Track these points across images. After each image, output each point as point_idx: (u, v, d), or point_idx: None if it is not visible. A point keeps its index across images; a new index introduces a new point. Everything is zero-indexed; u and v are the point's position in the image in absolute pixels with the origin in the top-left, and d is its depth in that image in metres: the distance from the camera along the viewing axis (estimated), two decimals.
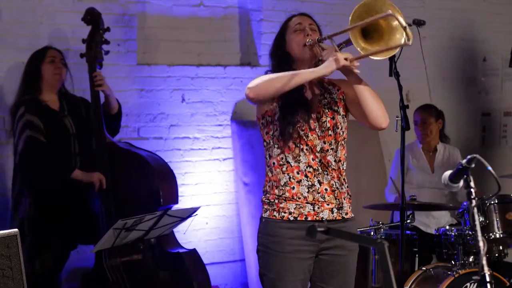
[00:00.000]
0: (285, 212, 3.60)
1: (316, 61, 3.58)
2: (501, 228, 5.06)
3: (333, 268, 3.64)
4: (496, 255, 5.14)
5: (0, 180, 5.11)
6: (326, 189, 3.61)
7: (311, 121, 3.60)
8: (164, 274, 4.78)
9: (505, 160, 7.48)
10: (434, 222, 5.72)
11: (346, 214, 3.66)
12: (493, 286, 2.90)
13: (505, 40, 7.33)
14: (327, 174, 3.61)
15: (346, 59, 3.43)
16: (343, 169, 3.68)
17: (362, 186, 6.09)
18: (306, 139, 3.58)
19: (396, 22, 3.42)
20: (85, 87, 4.95)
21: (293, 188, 3.60)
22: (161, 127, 5.76)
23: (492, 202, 5.08)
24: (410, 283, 4.91)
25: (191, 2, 5.94)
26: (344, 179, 3.69)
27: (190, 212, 4.40)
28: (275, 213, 3.62)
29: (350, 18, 3.41)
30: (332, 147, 3.62)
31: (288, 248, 3.59)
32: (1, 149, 5.16)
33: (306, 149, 3.58)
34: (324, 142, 3.61)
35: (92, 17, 4.92)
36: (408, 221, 4.91)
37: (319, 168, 3.60)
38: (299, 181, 3.59)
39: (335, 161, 3.63)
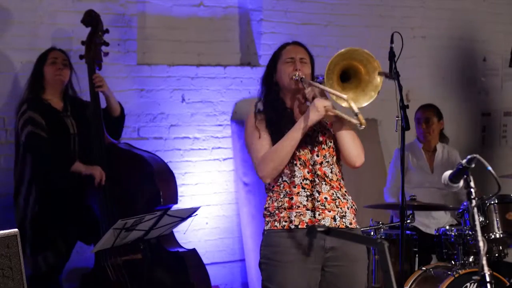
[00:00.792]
0: (285, 221, 3.59)
1: (301, 94, 3.69)
2: (501, 228, 5.06)
3: (339, 280, 3.61)
4: (496, 255, 5.14)
5: (0, 180, 5.11)
6: (326, 198, 3.61)
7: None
8: (164, 274, 4.78)
9: (505, 160, 7.48)
10: (434, 222, 5.72)
11: (350, 223, 3.64)
12: (493, 286, 2.90)
13: (505, 40, 7.33)
14: (325, 184, 3.62)
15: (325, 106, 3.52)
16: (342, 183, 3.69)
17: (362, 186, 6.09)
18: (298, 154, 3.61)
19: (374, 68, 3.55)
20: (84, 87, 4.94)
21: (292, 198, 3.61)
22: (161, 127, 5.76)
23: (492, 202, 5.08)
24: (410, 283, 4.91)
25: (191, 2, 5.94)
26: (346, 191, 3.70)
27: (190, 212, 4.40)
28: (276, 223, 3.62)
29: (326, 68, 3.52)
30: (327, 160, 3.64)
31: (290, 258, 3.57)
32: (1, 149, 5.16)
33: (300, 164, 3.62)
34: (317, 155, 3.63)
35: (91, 18, 4.94)
36: (408, 221, 4.91)
37: (316, 179, 3.62)
38: (297, 193, 3.61)
39: (331, 172, 3.64)
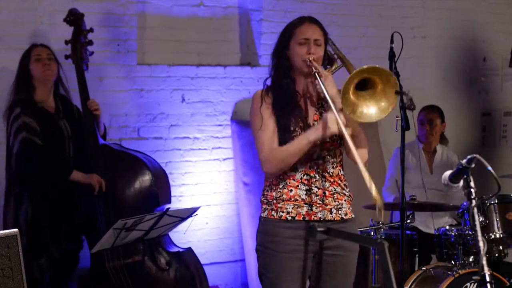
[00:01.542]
0: (283, 212, 3.61)
1: (311, 79, 3.60)
2: (501, 228, 5.06)
3: (332, 268, 3.65)
4: (496, 255, 5.14)
5: None
6: (324, 193, 3.62)
7: (307, 129, 3.62)
8: (164, 274, 4.78)
9: (505, 160, 7.48)
10: (433, 222, 5.71)
11: (346, 214, 3.66)
12: (493, 286, 2.90)
13: (505, 40, 7.33)
14: (325, 181, 3.62)
15: (338, 124, 3.43)
16: (342, 175, 3.69)
17: (362, 186, 6.07)
18: None
19: (391, 86, 3.50)
20: (75, 87, 4.90)
21: (291, 190, 3.61)
22: (161, 127, 5.76)
23: (492, 202, 5.07)
24: (410, 283, 4.91)
25: (191, 2, 5.94)
26: (345, 184, 3.70)
27: (190, 212, 4.40)
28: (273, 212, 3.63)
29: (344, 84, 3.44)
30: (330, 154, 3.63)
31: (286, 248, 3.59)
32: (0, 149, 5.15)
33: (303, 157, 3.60)
34: (321, 149, 3.62)
35: (74, 17, 4.86)
36: (408, 221, 4.91)
37: (316, 175, 3.61)
38: (296, 186, 3.61)
39: (333, 167, 3.64)
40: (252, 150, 5.86)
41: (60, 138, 4.71)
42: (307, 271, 3.63)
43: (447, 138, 6.08)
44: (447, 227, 5.16)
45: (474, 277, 3.00)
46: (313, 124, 3.63)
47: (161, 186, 4.91)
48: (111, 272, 4.61)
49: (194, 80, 5.89)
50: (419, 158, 5.88)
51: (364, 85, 3.50)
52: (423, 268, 4.99)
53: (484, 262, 2.87)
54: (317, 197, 3.60)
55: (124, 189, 4.80)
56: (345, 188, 3.69)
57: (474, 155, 2.95)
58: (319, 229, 3.26)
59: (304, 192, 3.60)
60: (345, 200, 3.66)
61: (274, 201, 3.63)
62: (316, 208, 3.59)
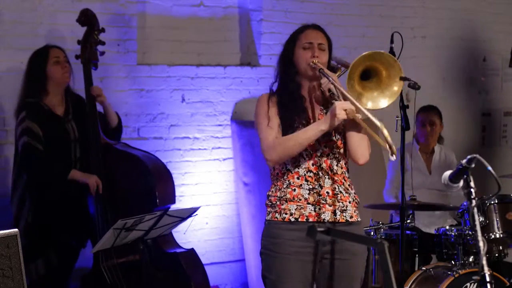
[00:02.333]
0: (286, 214, 3.60)
1: (317, 82, 3.64)
2: (501, 228, 5.05)
3: (337, 273, 3.62)
4: (496, 255, 5.13)
5: (0, 180, 5.10)
6: (327, 192, 3.61)
7: None
8: (161, 275, 4.78)
9: (505, 160, 7.48)
10: (434, 222, 5.72)
11: (351, 217, 3.64)
12: (493, 286, 2.90)
13: (505, 40, 7.34)
14: (328, 178, 3.62)
15: (345, 110, 3.45)
16: (346, 176, 3.69)
17: (362, 186, 6.07)
18: None
19: (396, 73, 3.54)
20: (81, 87, 4.91)
21: (294, 190, 3.61)
22: (161, 127, 5.76)
23: (492, 202, 5.07)
24: (410, 283, 4.91)
25: (191, 2, 5.94)
26: (349, 185, 3.69)
27: (190, 212, 4.40)
28: (277, 214, 3.63)
29: (349, 69, 3.49)
30: (333, 151, 3.63)
31: (289, 250, 3.59)
32: (0, 149, 5.16)
33: (306, 154, 3.60)
34: (325, 146, 3.62)
35: (86, 18, 4.86)
36: (408, 221, 4.91)
37: (319, 172, 3.61)
38: (299, 185, 3.61)
39: (337, 165, 3.64)
40: (252, 150, 5.87)
41: (65, 141, 4.71)
42: (311, 274, 3.61)
43: (443, 137, 6.07)
44: (447, 227, 5.16)
45: (474, 277, 3.00)
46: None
47: (163, 185, 4.90)
48: (107, 272, 4.62)
49: (194, 80, 5.89)
50: (416, 159, 5.87)
51: (369, 76, 3.53)
52: (423, 268, 4.99)
53: (484, 262, 2.86)
54: (320, 197, 3.59)
55: (123, 189, 4.80)
56: (349, 189, 3.68)
57: (474, 155, 2.95)
58: (319, 229, 3.25)
59: (307, 192, 3.60)
60: (349, 202, 3.65)
61: (278, 203, 3.63)
62: (319, 209, 3.59)
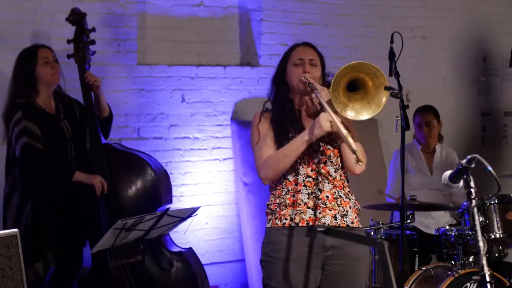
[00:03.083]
0: (286, 219, 3.60)
1: (309, 97, 3.68)
2: (501, 228, 5.06)
3: (339, 278, 3.62)
4: (496, 255, 5.14)
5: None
6: (327, 196, 3.61)
7: None
8: (166, 274, 4.78)
9: (505, 160, 7.48)
10: (433, 222, 5.72)
11: (352, 223, 3.64)
12: (493, 286, 2.90)
13: (505, 40, 7.34)
14: (328, 183, 3.62)
15: (330, 122, 3.50)
16: (346, 183, 3.69)
17: (362, 186, 6.08)
18: (303, 152, 3.60)
19: (381, 83, 3.55)
20: (73, 87, 4.90)
21: (293, 195, 3.61)
22: (161, 127, 5.76)
23: (492, 202, 5.08)
24: (410, 283, 4.91)
25: (191, 2, 5.94)
26: (349, 191, 3.70)
27: (190, 212, 4.40)
28: (277, 221, 3.63)
29: (333, 80, 3.52)
30: (331, 160, 3.64)
31: (290, 256, 3.58)
32: (1, 149, 5.16)
33: (303, 162, 3.63)
34: (322, 155, 3.64)
35: (77, 17, 4.84)
36: (408, 221, 4.91)
37: (318, 177, 3.62)
38: (298, 191, 3.61)
39: (335, 171, 3.65)
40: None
41: (61, 140, 4.68)
42: (313, 280, 3.60)
43: (442, 135, 6.06)
44: (447, 227, 5.16)
45: (474, 277, 3.00)
46: None
47: (163, 186, 4.91)
48: (113, 271, 4.60)
49: (194, 80, 5.89)
50: (418, 159, 5.87)
51: (355, 87, 3.55)
52: (423, 268, 4.99)
53: (484, 262, 2.86)
54: (320, 201, 3.59)
55: (127, 189, 4.80)
56: (349, 195, 3.69)
57: (474, 155, 2.95)
58: (319, 229, 3.26)
59: (307, 196, 3.60)
60: (350, 208, 3.65)
61: (278, 209, 3.63)
62: (320, 214, 3.58)
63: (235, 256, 6.12)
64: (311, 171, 3.62)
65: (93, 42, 4.86)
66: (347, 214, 3.62)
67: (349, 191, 3.70)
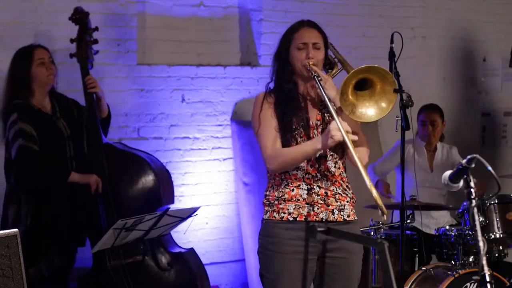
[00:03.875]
0: (284, 213, 3.61)
1: (312, 83, 3.63)
2: (501, 228, 5.06)
3: (335, 271, 3.63)
4: (496, 255, 5.14)
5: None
6: (326, 193, 3.62)
7: (310, 129, 3.63)
8: (166, 274, 4.77)
9: (505, 160, 7.48)
10: (433, 222, 5.72)
11: (348, 216, 3.66)
12: (493, 286, 2.90)
13: (505, 40, 7.33)
14: (327, 181, 3.62)
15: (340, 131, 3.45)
16: (344, 177, 3.69)
17: (362, 186, 6.08)
18: None
19: (390, 84, 3.52)
20: (76, 87, 4.90)
21: (292, 190, 3.61)
22: (161, 127, 5.76)
23: (492, 202, 5.08)
24: (410, 283, 4.92)
25: (191, 2, 5.94)
26: (347, 186, 3.70)
27: (190, 212, 4.40)
28: (274, 213, 3.63)
29: (342, 84, 3.46)
30: (331, 153, 3.64)
31: (287, 249, 3.59)
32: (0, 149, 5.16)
33: None
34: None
35: (80, 16, 4.83)
36: (408, 221, 4.91)
37: (318, 174, 3.62)
38: (297, 186, 3.61)
39: (335, 167, 3.64)
40: (252, 150, 5.88)
41: (59, 139, 4.68)
42: (309, 273, 3.62)
43: (443, 134, 6.06)
44: (447, 227, 5.16)
45: (474, 277, 3.00)
46: (315, 124, 3.65)
47: (165, 186, 4.90)
48: (112, 272, 4.60)
49: (194, 80, 5.89)
50: (421, 155, 5.85)
51: (363, 85, 3.52)
52: (423, 268, 4.99)
53: (484, 262, 2.86)
54: (319, 197, 3.60)
55: (127, 189, 4.80)
56: (347, 190, 3.69)
57: (474, 155, 2.95)
58: (319, 229, 3.26)
59: (306, 192, 3.60)
60: (347, 202, 3.66)
61: (276, 202, 3.64)
62: (317, 209, 3.60)
63: (235, 256, 6.12)
64: (311, 167, 3.62)
65: (96, 41, 4.86)
66: (344, 208, 3.64)
67: (347, 186, 3.69)
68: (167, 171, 5.04)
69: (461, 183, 3.01)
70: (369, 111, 3.52)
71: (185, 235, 5.30)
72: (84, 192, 4.67)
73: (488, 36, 7.42)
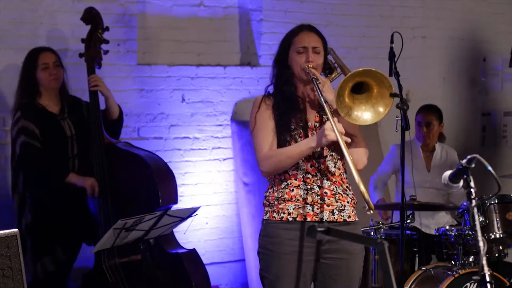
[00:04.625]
0: (284, 213, 3.61)
1: (311, 86, 3.64)
2: (501, 228, 5.06)
3: (335, 272, 3.63)
4: (496, 255, 5.13)
5: (1, 180, 5.10)
6: (326, 192, 3.62)
7: (308, 130, 3.63)
8: (163, 275, 4.77)
9: (505, 160, 7.48)
10: (433, 222, 5.71)
11: (349, 217, 3.65)
12: (493, 286, 2.90)
13: (505, 40, 7.34)
14: (327, 180, 3.62)
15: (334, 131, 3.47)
16: (344, 177, 3.69)
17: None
18: None
19: (386, 88, 3.52)
20: (85, 87, 4.93)
21: (292, 190, 3.61)
22: (161, 127, 5.76)
23: (492, 202, 5.07)
24: (410, 283, 4.91)
25: (191, 2, 5.94)
26: (347, 187, 3.70)
27: (190, 212, 4.40)
28: (274, 214, 3.63)
29: (339, 87, 3.47)
30: (331, 153, 3.64)
31: (287, 249, 3.59)
32: (1, 148, 5.16)
33: (304, 157, 3.60)
34: (323, 148, 3.62)
35: (91, 16, 4.87)
36: (408, 221, 4.91)
37: (318, 174, 3.62)
38: (297, 186, 3.61)
39: (334, 167, 3.64)
40: (252, 150, 5.86)
41: (61, 137, 4.73)
42: (309, 274, 3.62)
43: (444, 135, 6.06)
44: (447, 227, 5.16)
45: (474, 277, 3.00)
46: (314, 125, 3.65)
47: (164, 185, 4.90)
48: (109, 271, 4.62)
49: (194, 80, 5.89)
50: (416, 156, 5.85)
51: (360, 89, 3.53)
52: (423, 268, 4.99)
53: (484, 262, 2.86)
54: (318, 197, 3.59)
55: (124, 188, 4.80)
56: (348, 190, 3.69)
57: (474, 155, 2.95)
58: (319, 229, 3.25)
59: (305, 192, 3.60)
60: (348, 202, 3.65)
61: (276, 202, 3.63)
62: (317, 209, 3.59)
63: (235, 256, 6.13)
64: (311, 166, 3.61)
65: (106, 41, 4.89)
66: (344, 209, 3.63)
67: (347, 186, 3.69)
68: (170, 171, 5.03)
69: (461, 183, 3.01)
70: (365, 114, 3.53)
71: (185, 235, 5.30)
72: (83, 192, 4.69)
73: (488, 36, 7.42)
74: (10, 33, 5.16)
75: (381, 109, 3.53)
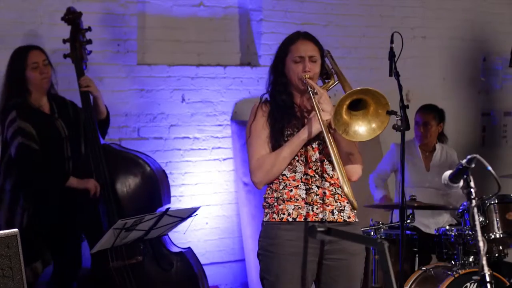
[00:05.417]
0: (284, 214, 3.60)
1: (308, 95, 3.64)
2: (501, 228, 5.06)
3: (337, 273, 3.62)
4: (496, 255, 5.13)
5: None
6: (324, 193, 3.61)
7: None
8: (167, 274, 4.78)
9: (505, 160, 7.48)
10: (433, 222, 5.72)
11: (349, 217, 3.65)
12: (493, 286, 2.90)
13: (505, 40, 7.34)
14: (325, 181, 3.62)
15: (326, 120, 3.51)
16: None
17: (362, 186, 6.09)
18: (301, 150, 3.61)
19: (383, 107, 3.53)
20: (71, 87, 4.89)
21: (291, 190, 3.61)
22: (161, 127, 5.76)
23: (492, 202, 5.07)
24: (410, 283, 4.91)
25: (191, 2, 5.94)
26: None
27: (190, 212, 4.40)
28: (274, 215, 3.63)
29: (336, 104, 3.48)
30: (329, 158, 3.63)
31: (288, 250, 3.58)
32: None
33: (302, 160, 3.62)
34: (320, 153, 3.63)
35: (72, 16, 4.81)
36: (408, 221, 4.91)
37: (316, 175, 3.62)
38: (296, 186, 3.61)
39: (332, 170, 3.64)
40: None
41: (57, 139, 4.68)
42: (310, 275, 3.61)
43: (446, 136, 6.06)
44: (447, 227, 5.16)
45: (474, 277, 2.99)
46: None
47: (162, 186, 4.91)
48: (114, 272, 4.59)
49: (194, 80, 5.89)
50: (414, 156, 5.85)
51: (357, 105, 3.53)
52: (423, 268, 4.99)
53: (484, 262, 2.86)
54: (317, 197, 3.59)
55: (125, 190, 4.80)
56: None
57: (474, 155, 2.95)
58: (319, 229, 3.25)
59: (304, 192, 3.60)
60: (347, 203, 3.65)
61: (275, 203, 3.63)
62: (317, 209, 3.59)
63: (235, 256, 6.13)
64: (309, 168, 3.62)
65: (89, 41, 4.84)
66: (344, 209, 3.63)
67: None
68: (164, 171, 5.03)
69: (461, 183, 3.01)
70: (361, 130, 3.53)
71: (185, 235, 5.30)
72: (83, 193, 4.67)
73: (488, 36, 7.42)
74: (10, 33, 5.16)
75: (376, 126, 3.53)
